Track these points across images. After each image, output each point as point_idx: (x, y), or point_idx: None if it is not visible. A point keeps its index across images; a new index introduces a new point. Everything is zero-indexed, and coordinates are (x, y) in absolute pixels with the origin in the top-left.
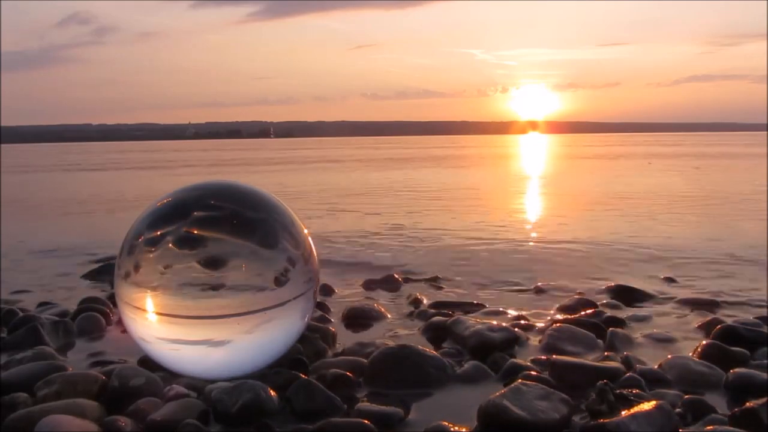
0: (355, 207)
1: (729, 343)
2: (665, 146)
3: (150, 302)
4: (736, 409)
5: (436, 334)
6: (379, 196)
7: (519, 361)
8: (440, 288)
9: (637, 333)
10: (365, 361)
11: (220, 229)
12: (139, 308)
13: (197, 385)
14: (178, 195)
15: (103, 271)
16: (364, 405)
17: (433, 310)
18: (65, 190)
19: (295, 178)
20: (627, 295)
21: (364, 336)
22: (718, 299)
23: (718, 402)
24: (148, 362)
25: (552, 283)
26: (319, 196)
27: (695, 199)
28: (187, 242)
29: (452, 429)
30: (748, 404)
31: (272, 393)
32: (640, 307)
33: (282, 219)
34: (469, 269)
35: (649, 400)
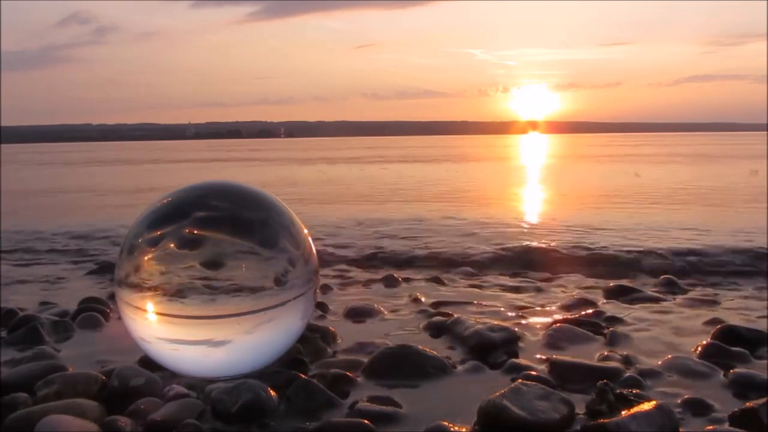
0: None
1: (729, 343)
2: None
3: (150, 302)
4: (736, 409)
5: (436, 333)
6: None
7: (519, 361)
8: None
9: (637, 333)
10: (365, 360)
11: (220, 229)
12: (139, 308)
13: (197, 385)
14: (178, 195)
15: (104, 271)
16: (364, 405)
17: (433, 310)
18: (68, 188)
19: None
20: (627, 295)
21: (364, 335)
22: (718, 299)
23: (718, 402)
24: (148, 362)
25: (552, 283)
26: None
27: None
28: (186, 242)
29: (452, 429)
30: (748, 404)
31: (272, 393)
32: (640, 307)
33: (282, 219)
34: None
35: (649, 400)
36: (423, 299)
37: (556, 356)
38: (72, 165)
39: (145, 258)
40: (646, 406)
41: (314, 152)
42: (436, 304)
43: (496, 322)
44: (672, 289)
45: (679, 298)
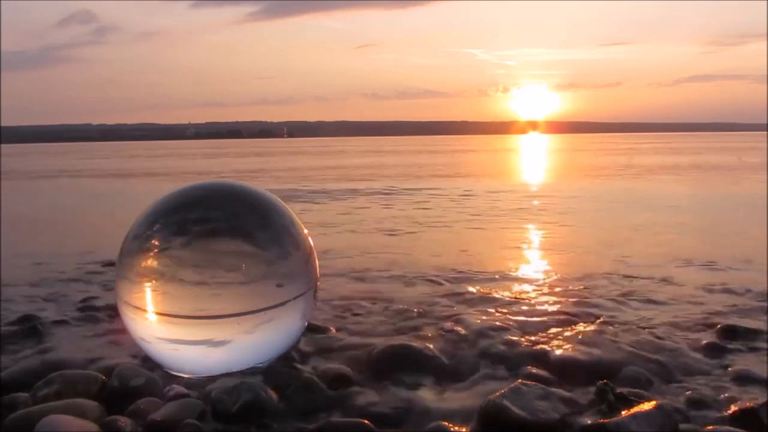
0: None
1: (729, 342)
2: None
3: (150, 302)
4: (736, 409)
5: (437, 333)
6: None
7: (519, 360)
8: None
9: (637, 332)
10: (365, 360)
11: (220, 229)
12: (139, 308)
13: (197, 385)
14: (178, 195)
15: (104, 271)
16: (364, 404)
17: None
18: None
19: None
20: (627, 294)
21: (365, 335)
22: (717, 297)
23: (718, 402)
24: (148, 362)
25: (552, 282)
26: None
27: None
28: (187, 243)
29: (452, 429)
30: (748, 404)
31: (272, 393)
32: (640, 306)
33: (282, 219)
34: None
35: (649, 400)
36: (422, 295)
37: (556, 356)
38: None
39: (146, 258)
40: (646, 406)
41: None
42: (437, 304)
43: (496, 322)
44: (671, 286)
45: (679, 297)
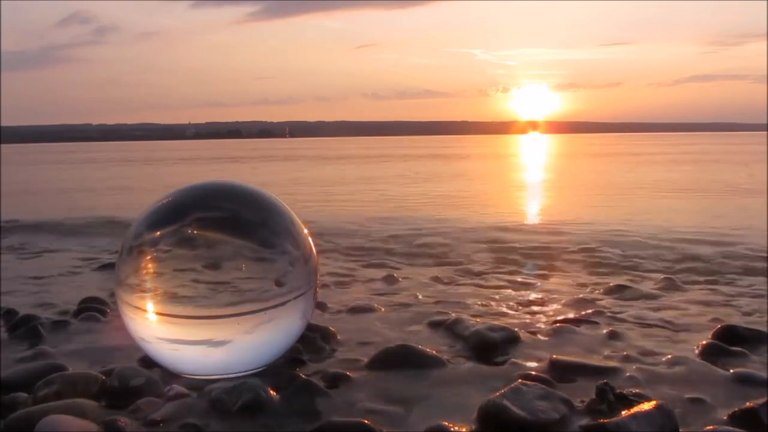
0: None
1: (729, 342)
2: None
3: (150, 302)
4: (736, 409)
5: (436, 332)
6: None
7: (519, 360)
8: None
9: (637, 332)
10: (365, 360)
11: (220, 229)
12: (139, 308)
13: (197, 385)
14: (178, 195)
15: (105, 271)
16: (364, 404)
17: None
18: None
19: None
20: (627, 294)
21: (364, 334)
22: (719, 298)
23: (718, 402)
24: (148, 362)
25: (553, 281)
26: None
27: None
28: (186, 242)
29: (452, 429)
30: (748, 404)
31: (272, 393)
32: (640, 306)
33: (282, 219)
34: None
35: (649, 400)
36: (422, 298)
37: (556, 356)
38: None
39: (145, 258)
40: (646, 406)
41: None
42: (436, 303)
43: (496, 322)
44: (672, 288)
45: (679, 297)
